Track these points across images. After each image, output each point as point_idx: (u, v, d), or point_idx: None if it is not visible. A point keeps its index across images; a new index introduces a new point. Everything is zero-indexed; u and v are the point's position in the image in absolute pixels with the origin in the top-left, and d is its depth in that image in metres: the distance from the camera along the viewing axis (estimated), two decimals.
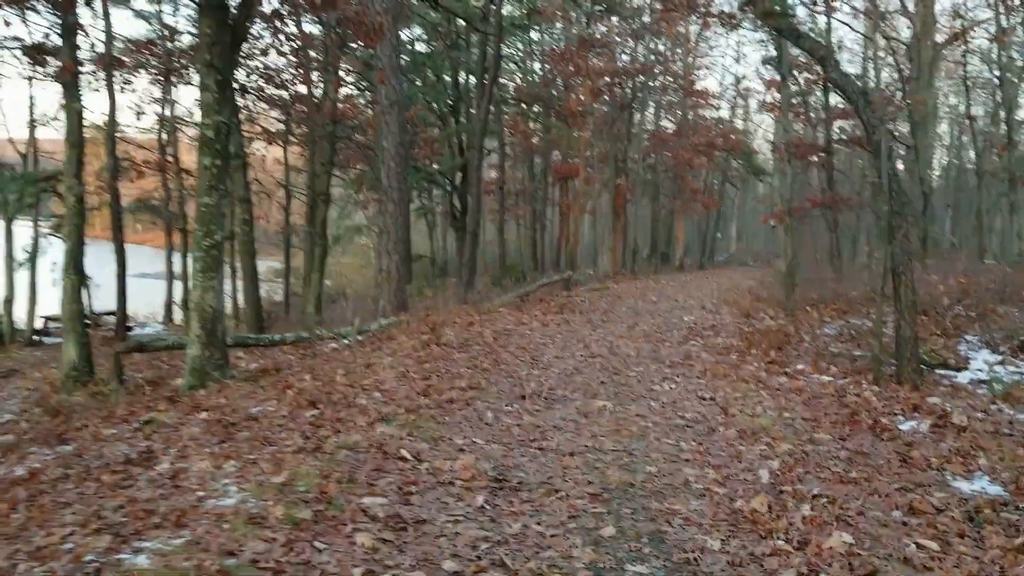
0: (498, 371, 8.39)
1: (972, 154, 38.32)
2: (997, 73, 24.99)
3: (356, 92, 22.10)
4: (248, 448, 5.39)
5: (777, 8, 8.63)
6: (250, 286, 15.68)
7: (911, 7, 23.90)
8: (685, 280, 29.26)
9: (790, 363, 8.91)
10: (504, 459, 5.25)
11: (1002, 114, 23.16)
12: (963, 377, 8.59)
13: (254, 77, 14.86)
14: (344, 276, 34.59)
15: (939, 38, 23.30)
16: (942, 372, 8.62)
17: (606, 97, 26.47)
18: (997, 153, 27.59)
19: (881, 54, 26.43)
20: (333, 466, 4.89)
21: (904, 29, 27.71)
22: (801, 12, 16.78)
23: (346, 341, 11.22)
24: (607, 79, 24.49)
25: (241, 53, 13.29)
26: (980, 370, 8.93)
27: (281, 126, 19.55)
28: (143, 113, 26.27)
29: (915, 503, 4.40)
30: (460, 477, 4.78)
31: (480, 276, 27.34)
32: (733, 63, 66.39)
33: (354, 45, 18.88)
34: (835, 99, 25.40)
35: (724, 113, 44.10)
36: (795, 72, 22.89)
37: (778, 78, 23.39)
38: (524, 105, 26.85)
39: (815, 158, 25.28)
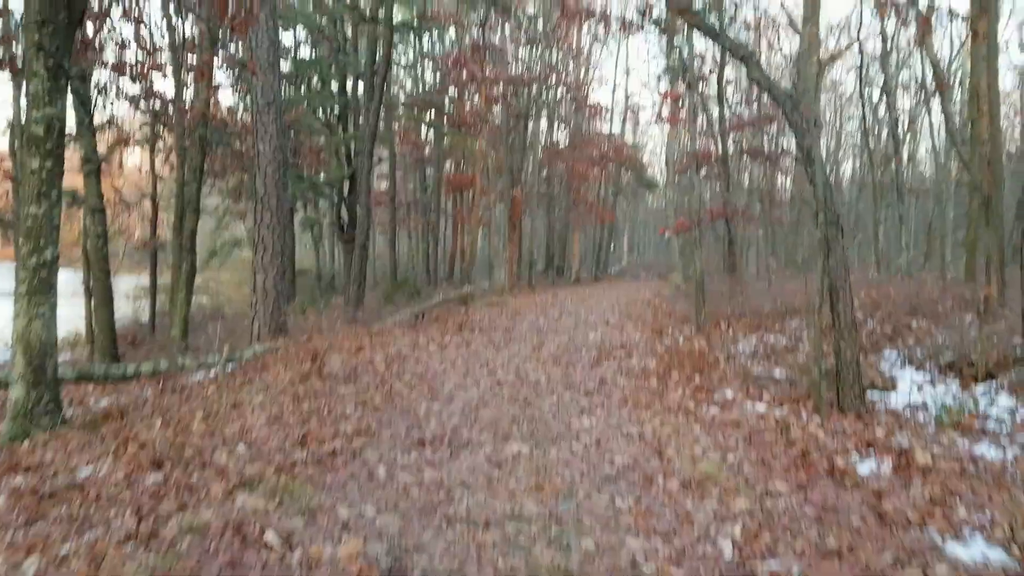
0: (392, 408, 7.19)
1: (847, 168, 39.68)
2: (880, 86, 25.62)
3: (233, 95, 20.35)
4: (62, 534, 4.03)
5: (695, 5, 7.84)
6: (103, 310, 13.83)
7: (799, 24, 24.15)
8: (583, 293, 28.66)
9: (716, 388, 8.07)
10: (402, 537, 4.09)
11: (884, 130, 23.68)
12: (895, 400, 7.98)
13: (110, 72, 13.01)
14: (222, 294, 32.34)
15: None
16: (873, 395, 7.99)
17: (500, 106, 25.60)
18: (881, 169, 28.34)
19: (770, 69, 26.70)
20: (171, 562, 3.62)
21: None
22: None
23: (213, 372, 9.75)
24: (501, 87, 23.60)
25: (96, 45, 11.63)
26: (908, 391, 8.36)
27: (147, 128, 17.64)
28: None
29: None
30: (344, 570, 3.60)
31: (371, 291, 25.92)
32: (623, 77, 66.99)
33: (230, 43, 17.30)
34: (731, 109, 25.42)
35: (616, 127, 44.16)
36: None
37: (677, 89, 23.13)
38: (416, 112, 25.64)
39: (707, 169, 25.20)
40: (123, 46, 10.90)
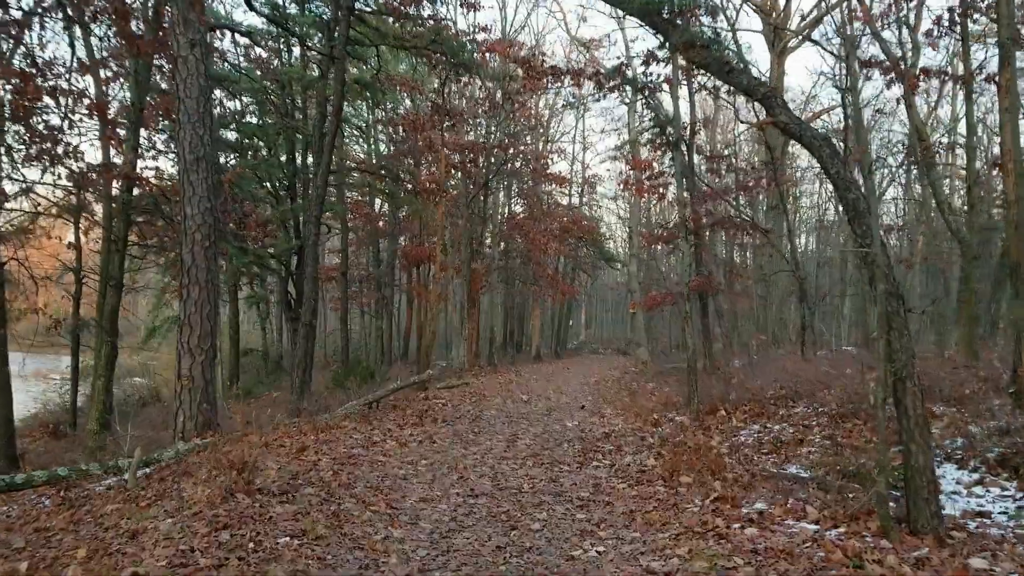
0: (339, 537, 5.53)
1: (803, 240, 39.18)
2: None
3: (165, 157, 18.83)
4: None
5: (702, 38, 6.64)
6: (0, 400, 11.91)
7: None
8: (547, 371, 27.17)
9: (744, 499, 6.57)
10: None
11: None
12: (947, 507, 6.57)
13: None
14: (161, 375, 30.09)
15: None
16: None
17: (460, 174, 24.47)
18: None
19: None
20: None
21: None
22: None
23: (126, 478, 7.97)
24: (460, 155, 22.46)
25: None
26: (957, 494, 6.98)
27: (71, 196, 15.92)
28: None
29: None
30: None
31: (321, 373, 24.05)
32: (581, 151, 66.90)
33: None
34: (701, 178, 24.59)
35: (575, 200, 43.43)
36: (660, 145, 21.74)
37: (642, 156, 22.21)
38: (370, 177, 24.29)
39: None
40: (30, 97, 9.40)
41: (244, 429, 9.70)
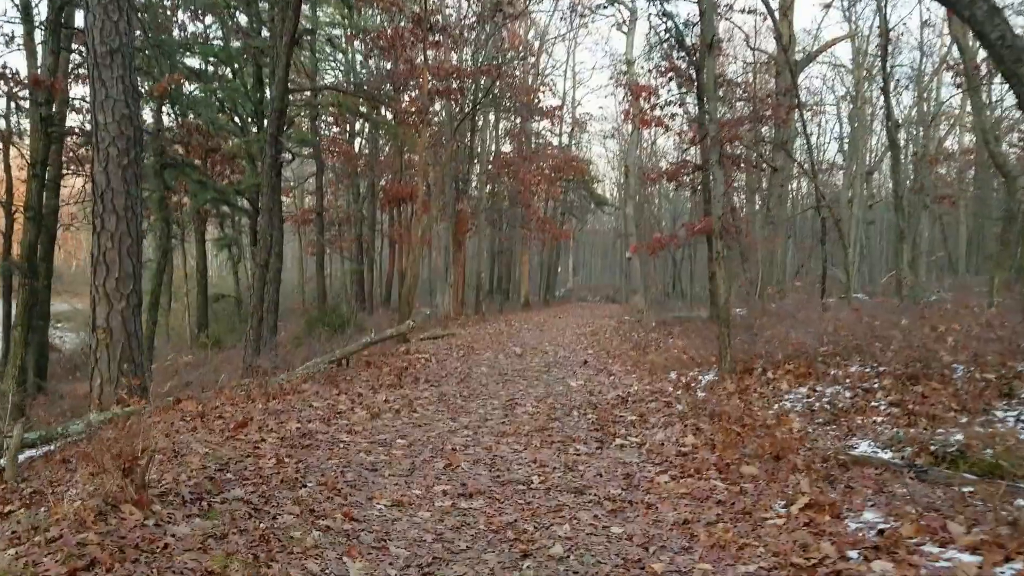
0: None
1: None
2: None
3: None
4: None
5: None
6: None
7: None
8: (538, 320, 25.37)
9: (846, 505, 4.74)
10: None
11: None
12: None
13: None
14: None
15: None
16: None
17: (444, 103, 22.27)
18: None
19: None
20: None
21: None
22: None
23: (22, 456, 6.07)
24: (444, 81, 20.19)
25: None
26: None
27: None
28: None
29: None
30: None
31: (297, 321, 22.11)
32: (571, 88, 64.08)
33: None
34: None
35: (565, 140, 41.15)
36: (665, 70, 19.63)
37: (653, 82, 20.11)
38: (342, 97, 21.92)
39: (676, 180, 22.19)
40: None
41: (179, 394, 7.83)
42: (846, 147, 32.11)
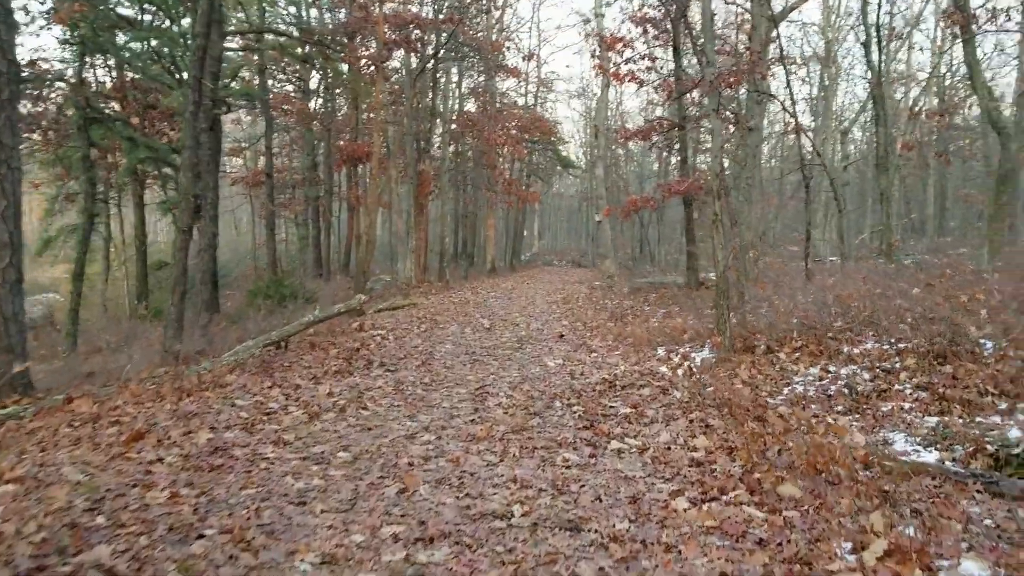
0: None
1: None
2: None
3: None
4: None
5: None
6: None
7: None
8: (506, 287, 24.06)
9: (926, 542, 3.52)
10: None
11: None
12: None
13: None
14: (64, 296, 26.31)
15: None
16: None
17: (402, 55, 20.63)
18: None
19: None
20: None
21: None
22: None
23: None
24: (402, 28, 18.54)
25: None
26: None
27: None
28: None
29: None
30: None
31: (242, 292, 20.54)
32: (537, 46, 62.08)
33: None
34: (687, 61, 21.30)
35: (531, 100, 39.50)
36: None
37: (627, 33, 18.64)
38: (286, 41, 20.09)
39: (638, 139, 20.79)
40: None
41: (75, 388, 6.40)
42: (819, 107, 31.12)
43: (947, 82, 26.02)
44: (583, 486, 4.55)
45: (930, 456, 5.24)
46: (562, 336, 11.80)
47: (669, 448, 5.30)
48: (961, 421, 5.97)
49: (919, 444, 5.53)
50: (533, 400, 7.02)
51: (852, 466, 4.63)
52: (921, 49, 28.08)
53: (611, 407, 6.70)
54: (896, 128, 22.70)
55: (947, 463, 5.05)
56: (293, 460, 4.88)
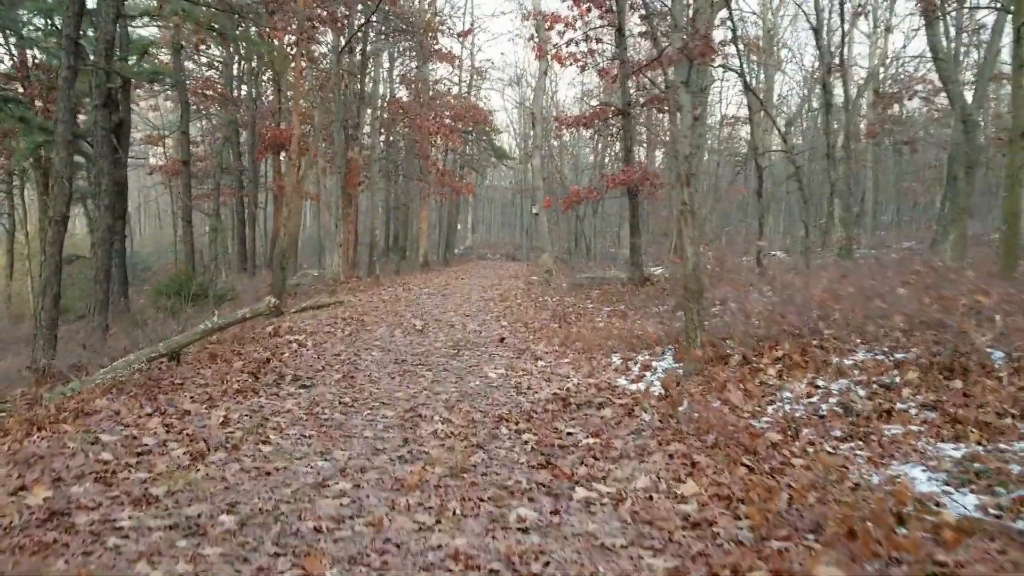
0: None
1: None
2: None
3: None
4: None
5: None
6: None
7: None
8: (439, 282, 22.82)
9: None
10: None
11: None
12: None
13: None
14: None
15: None
16: None
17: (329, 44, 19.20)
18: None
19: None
20: None
21: None
22: None
23: None
24: (327, 3, 17.10)
25: None
26: None
27: None
28: None
29: None
30: None
31: (142, 296, 18.89)
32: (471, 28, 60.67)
33: None
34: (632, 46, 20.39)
35: (464, 89, 38.18)
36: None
37: (567, 12, 17.61)
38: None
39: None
40: None
41: None
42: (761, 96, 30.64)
43: (906, 65, 25.69)
44: (547, 564, 3.40)
45: (967, 499, 4.30)
46: (503, 340, 10.67)
47: (651, 497, 4.21)
48: (981, 449, 5.08)
49: (947, 483, 4.58)
50: (475, 425, 5.87)
51: (891, 524, 3.61)
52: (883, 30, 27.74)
53: (569, 434, 5.60)
54: (858, 114, 22.21)
55: (997, 513, 4.08)
56: (157, 530, 3.61)
